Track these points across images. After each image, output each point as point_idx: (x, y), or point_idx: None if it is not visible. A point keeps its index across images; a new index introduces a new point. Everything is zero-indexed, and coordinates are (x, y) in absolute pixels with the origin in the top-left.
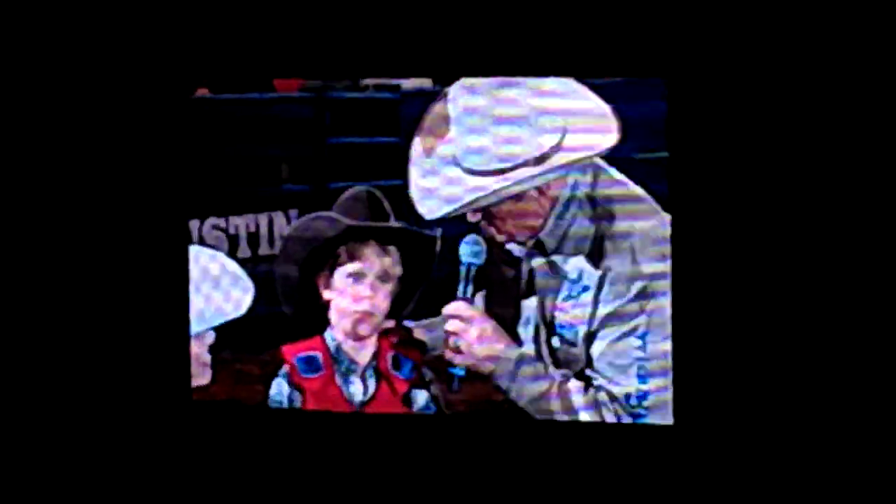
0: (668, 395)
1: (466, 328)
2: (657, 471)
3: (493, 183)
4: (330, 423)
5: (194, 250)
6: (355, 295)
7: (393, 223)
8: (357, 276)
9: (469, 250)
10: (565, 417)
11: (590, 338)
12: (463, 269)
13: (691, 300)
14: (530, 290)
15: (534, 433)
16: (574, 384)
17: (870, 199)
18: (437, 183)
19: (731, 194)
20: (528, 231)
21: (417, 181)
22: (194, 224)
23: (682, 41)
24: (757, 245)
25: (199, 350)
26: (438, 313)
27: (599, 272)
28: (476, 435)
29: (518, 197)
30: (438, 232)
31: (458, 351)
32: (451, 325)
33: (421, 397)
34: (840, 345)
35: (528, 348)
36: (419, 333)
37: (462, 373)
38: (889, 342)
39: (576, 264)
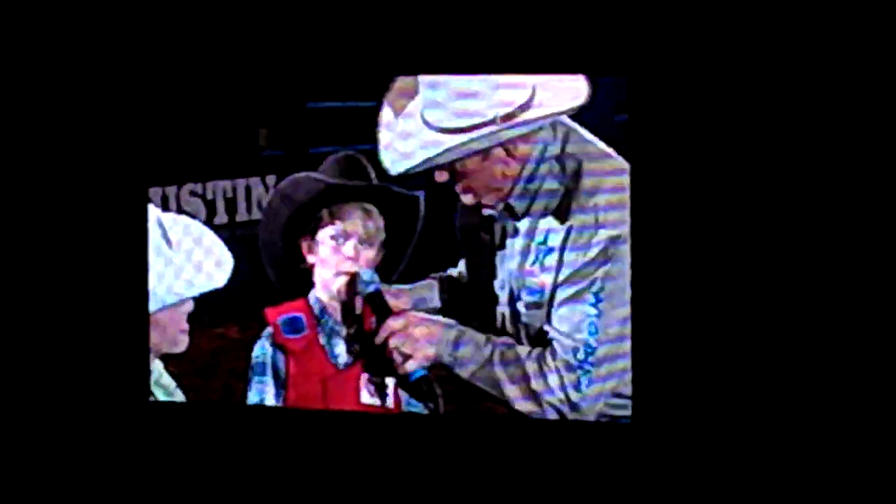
0: (620, 363)
1: (406, 335)
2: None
3: (457, 139)
4: (305, 421)
5: (171, 218)
6: (338, 255)
7: (374, 183)
8: (339, 238)
9: (368, 277)
10: (512, 385)
11: (552, 297)
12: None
13: (651, 266)
14: (501, 247)
15: (519, 430)
16: (520, 349)
17: (834, 161)
18: (401, 139)
19: (695, 158)
20: (495, 195)
21: (384, 140)
22: (171, 190)
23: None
24: (720, 212)
25: (178, 317)
26: (423, 275)
27: (563, 231)
28: (456, 432)
29: (485, 156)
30: (422, 194)
31: (408, 357)
32: (393, 343)
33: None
34: (804, 316)
35: (504, 310)
36: (403, 296)
37: (424, 372)
38: (856, 311)
39: (543, 226)
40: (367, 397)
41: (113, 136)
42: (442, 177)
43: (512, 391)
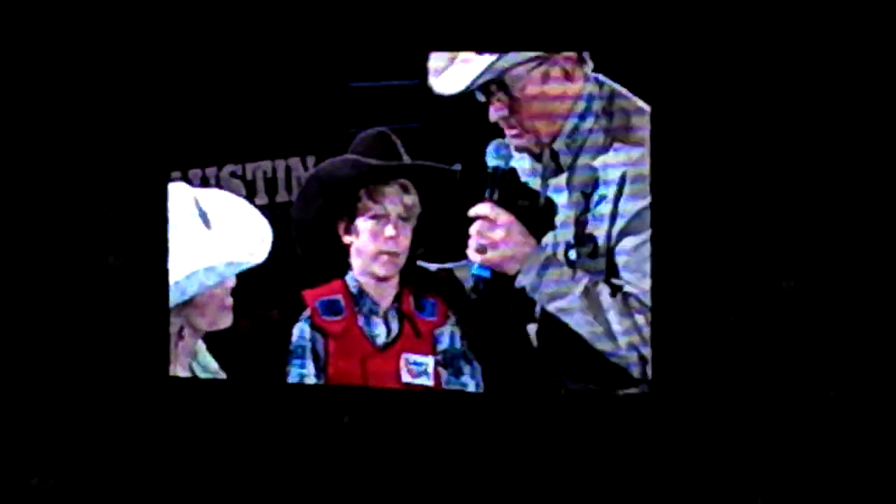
0: None
1: (492, 228)
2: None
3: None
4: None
5: (208, 194)
6: (378, 235)
7: (408, 162)
8: (379, 218)
9: (495, 154)
10: (593, 322)
11: (611, 249)
12: (490, 174)
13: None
14: (548, 212)
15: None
16: (603, 287)
17: (839, 145)
18: (452, 70)
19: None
20: (547, 131)
21: (435, 66)
22: (211, 171)
23: None
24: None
25: (222, 293)
26: (463, 254)
27: (617, 180)
28: (490, 410)
29: (545, 78)
30: (458, 167)
31: (483, 251)
32: (477, 226)
33: (444, 337)
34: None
35: None
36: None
37: (488, 274)
38: (862, 294)
39: (589, 177)
40: (406, 377)
41: (151, 119)
42: (498, 110)
43: (591, 327)
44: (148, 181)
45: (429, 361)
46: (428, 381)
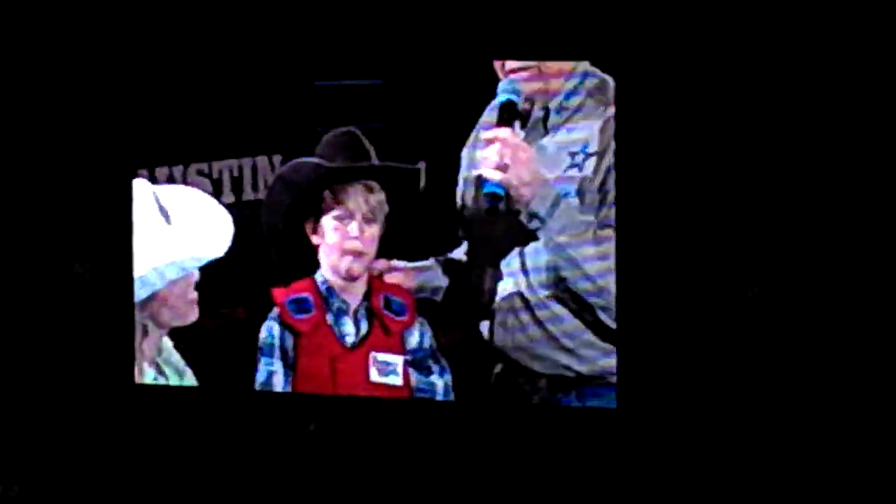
0: None
1: (515, 151)
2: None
3: None
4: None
5: (167, 190)
6: (344, 236)
7: (375, 162)
8: (343, 218)
9: (509, 88)
10: (597, 261)
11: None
12: (501, 104)
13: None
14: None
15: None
16: (609, 231)
17: (806, 150)
18: None
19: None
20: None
21: None
22: (178, 169)
23: None
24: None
25: (185, 287)
26: (427, 253)
27: (599, 124)
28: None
29: None
30: (422, 165)
31: (503, 169)
32: (497, 147)
33: (413, 336)
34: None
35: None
36: (409, 276)
37: (502, 191)
38: (851, 303)
39: (578, 137)
40: (375, 375)
41: (116, 116)
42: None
43: (592, 264)
44: (113, 186)
45: (398, 361)
46: (397, 381)
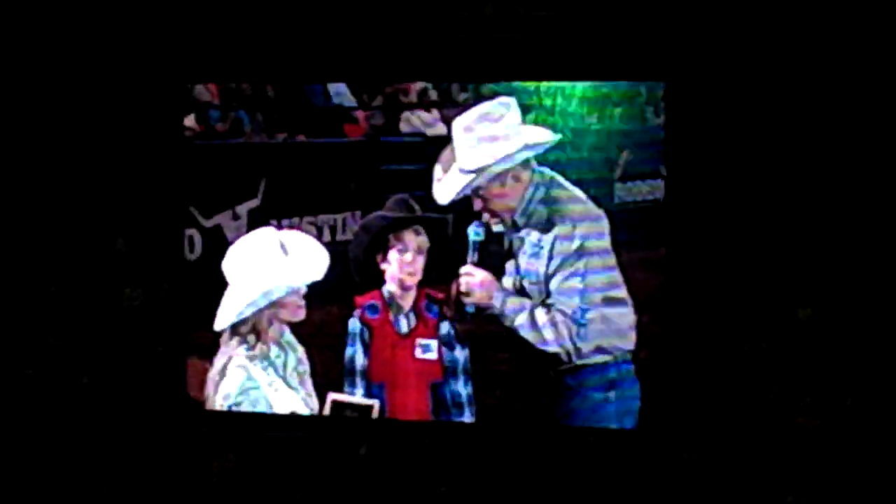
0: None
1: (474, 280)
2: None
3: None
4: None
5: (290, 233)
6: (401, 263)
7: (419, 214)
8: (402, 251)
9: (474, 231)
10: (531, 331)
11: (548, 278)
12: (470, 244)
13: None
14: (509, 255)
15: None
16: (539, 310)
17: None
18: (445, 181)
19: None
20: (508, 211)
21: (436, 185)
22: (295, 220)
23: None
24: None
25: (296, 297)
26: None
27: (552, 237)
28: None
29: (502, 182)
30: (451, 217)
31: (468, 295)
32: (463, 280)
33: (444, 327)
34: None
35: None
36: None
37: (472, 309)
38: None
39: (536, 235)
40: (419, 353)
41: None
42: (477, 205)
43: (533, 332)
44: (167, 222)
45: (434, 343)
46: (433, 356)
